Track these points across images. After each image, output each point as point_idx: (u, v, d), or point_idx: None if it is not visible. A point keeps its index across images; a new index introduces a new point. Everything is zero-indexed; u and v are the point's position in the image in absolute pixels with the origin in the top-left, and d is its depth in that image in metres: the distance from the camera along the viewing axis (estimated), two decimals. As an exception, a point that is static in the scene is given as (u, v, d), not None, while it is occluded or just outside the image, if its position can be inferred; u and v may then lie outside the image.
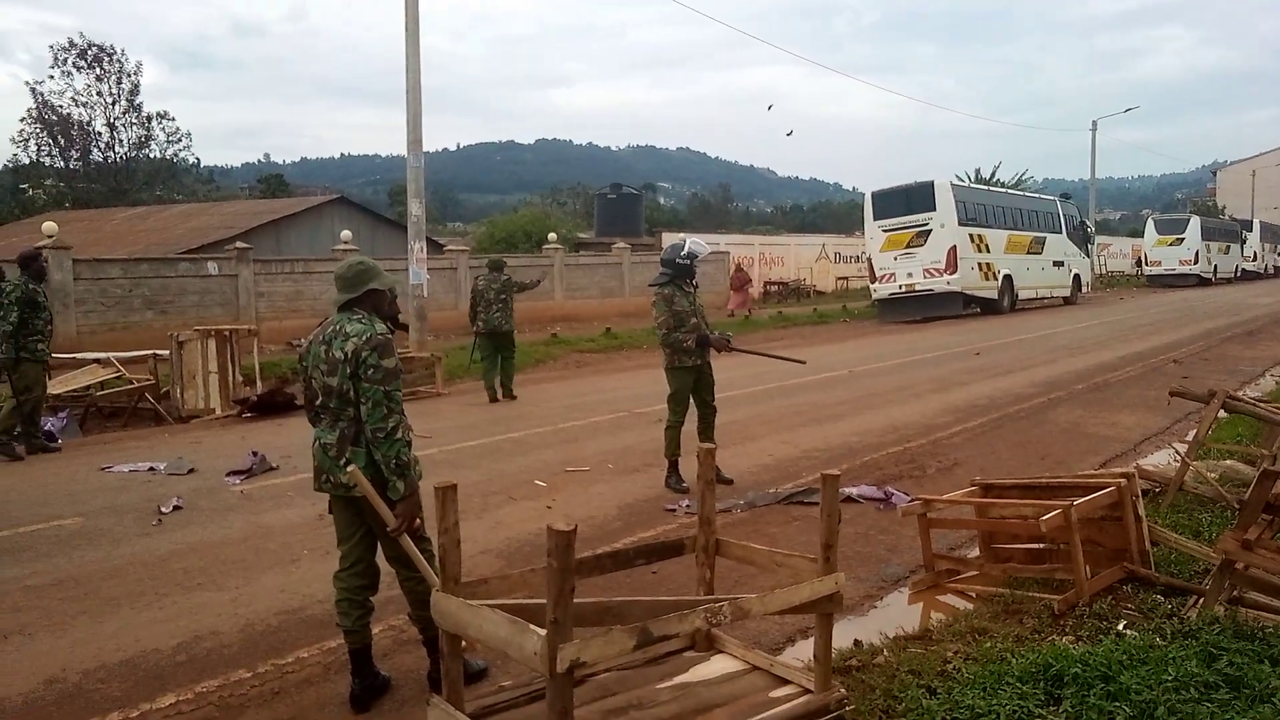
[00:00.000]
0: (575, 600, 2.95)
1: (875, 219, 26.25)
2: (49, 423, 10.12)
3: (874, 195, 26.65)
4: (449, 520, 3.62)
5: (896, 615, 4.85)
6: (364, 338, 3.70)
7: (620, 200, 38.72)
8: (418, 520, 3.79)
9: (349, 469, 3.67)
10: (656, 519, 6.54)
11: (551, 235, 28.72)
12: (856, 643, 4.31)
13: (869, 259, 26.87)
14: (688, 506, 6.71)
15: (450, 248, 26.13)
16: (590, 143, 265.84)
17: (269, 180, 56.71)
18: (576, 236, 38.08)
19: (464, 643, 3.49)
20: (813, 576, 3.42)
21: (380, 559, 3.98)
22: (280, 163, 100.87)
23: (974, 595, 5.07)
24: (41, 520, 6.69)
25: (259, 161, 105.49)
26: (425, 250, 16.11)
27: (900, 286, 25.54)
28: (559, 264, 25.67)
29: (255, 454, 8.19)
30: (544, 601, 3.28)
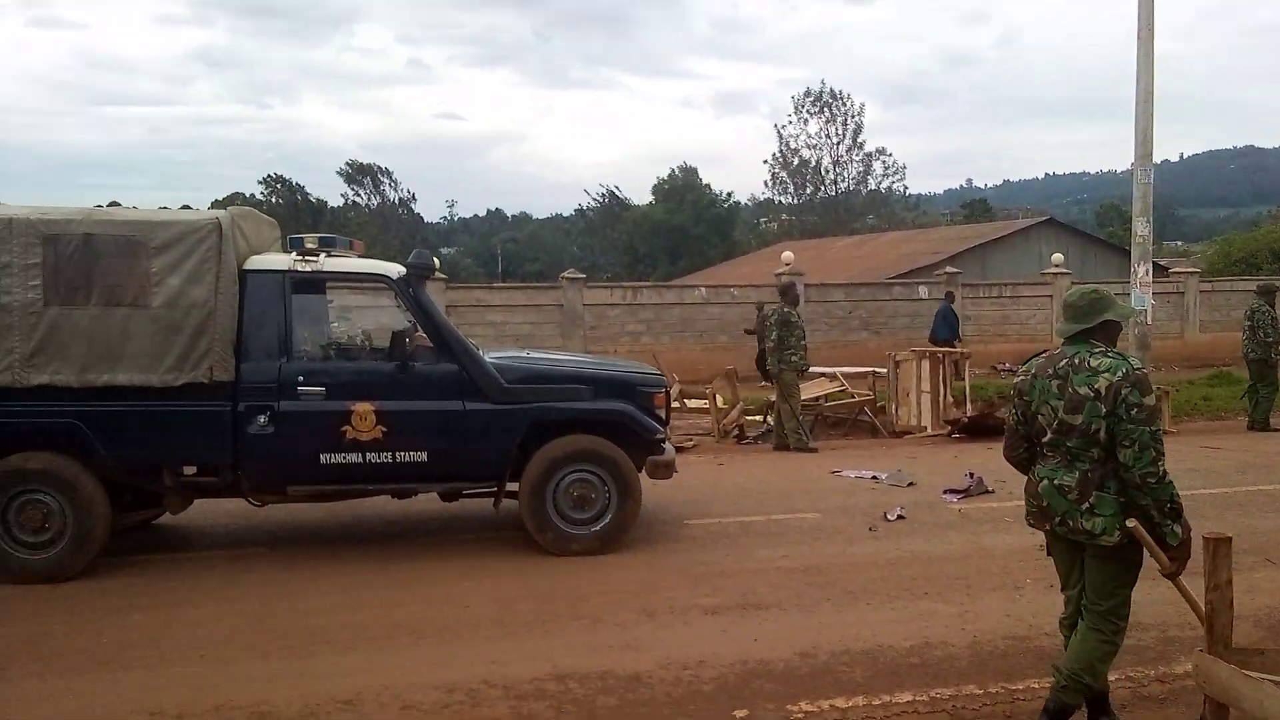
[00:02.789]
0: None
1: None
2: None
3: None
4: (1221, 577, 3.26)
5: None
6: (1120, 373, 3.45)
7: None
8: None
9: (1129, 524, 3.43)
10: None
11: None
12: None
13: None
14: None
15: (1176, 270, 23.61)
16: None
17: (972, 205, 57.78)
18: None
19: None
20: None
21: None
22: (981, 186, 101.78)
23: None
24: (787, 511, 7.67)
25: (960, 187, 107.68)
26: (1150, 273, 14.78)
27: None
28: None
29: (971, 475, 8.34)
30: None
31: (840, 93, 53.92)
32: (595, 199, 66.89)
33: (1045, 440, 3.70)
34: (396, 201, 67.19)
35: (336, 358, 6.46)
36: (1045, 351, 3.87)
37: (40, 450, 5.86)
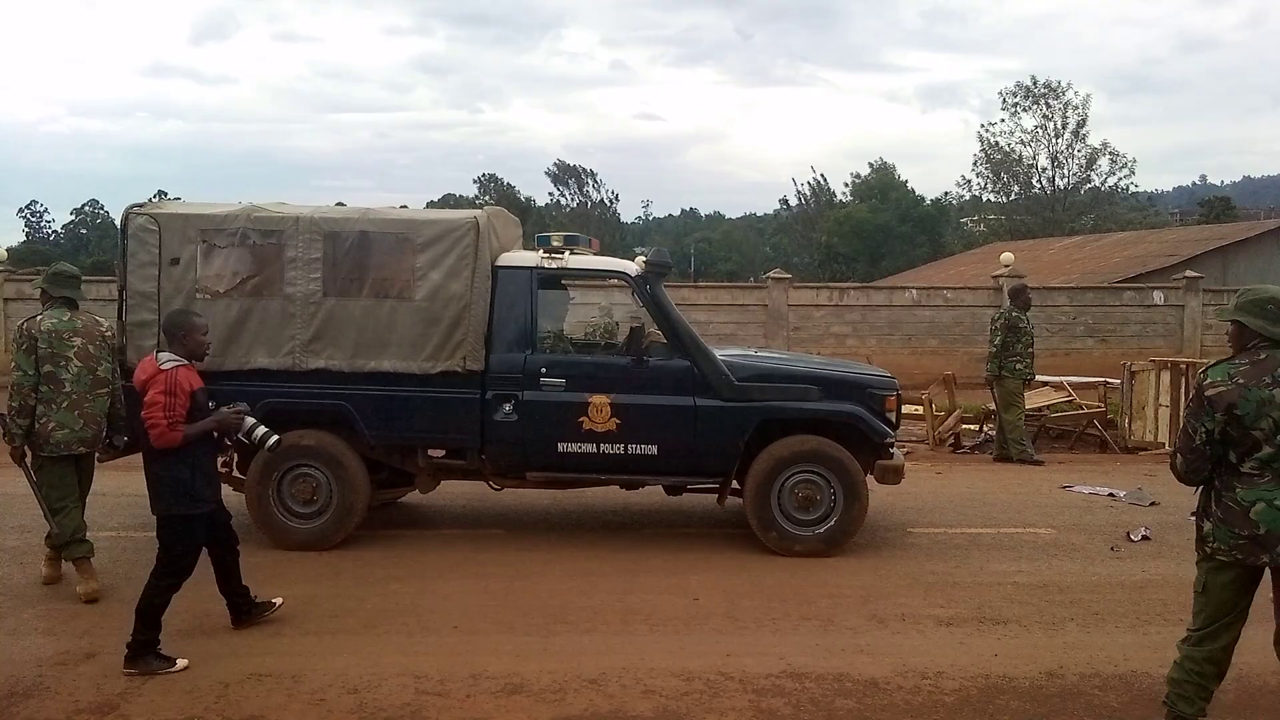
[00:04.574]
0: None
1: None
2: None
3: None
4: None
5: None
6: None
7: None
8: None
9: None
10: None
11: None
12: None
13: None
14: None
15: None
16: None
17: (1210, 203, 52.96)
18: None
19: None
20: None
21: None
22: (1218, 184, 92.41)
23: None
24: (1018, 525, 7.38)
25: (1193, 184, 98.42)
26: None
27: None
28: None
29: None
30: None
31: (1058, 84, 50.47)
32: (801, 187, 65.53)
33: (1259, 455, 3.46)
34: (599, 201, 69.08)
35: (575, 351, 6.75)
36: (1231, 359, 3.57)
37: (312, 429, 6.45)
